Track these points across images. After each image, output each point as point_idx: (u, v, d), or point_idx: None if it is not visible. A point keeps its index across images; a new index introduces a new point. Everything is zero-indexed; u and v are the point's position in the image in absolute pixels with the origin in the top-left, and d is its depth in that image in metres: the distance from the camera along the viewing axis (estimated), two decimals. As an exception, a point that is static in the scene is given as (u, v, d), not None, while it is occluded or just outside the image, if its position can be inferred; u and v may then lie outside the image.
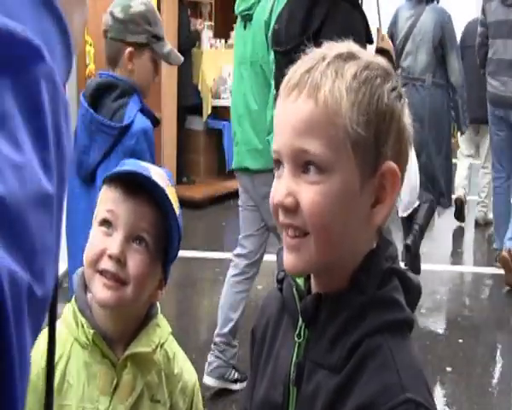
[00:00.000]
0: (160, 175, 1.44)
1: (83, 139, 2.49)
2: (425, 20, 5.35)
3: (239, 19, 3.84)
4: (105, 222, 1.41)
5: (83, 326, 1.41)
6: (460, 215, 7.10)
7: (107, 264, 1.38)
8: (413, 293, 1.08)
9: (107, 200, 1.42)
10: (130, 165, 1.47)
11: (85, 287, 1.44)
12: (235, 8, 3.85)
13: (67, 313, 1.45)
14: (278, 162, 1.03)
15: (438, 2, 5.52)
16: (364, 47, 2.82)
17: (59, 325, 1.42)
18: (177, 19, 7.41)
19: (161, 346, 1.48)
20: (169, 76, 7.29)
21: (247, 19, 3.73)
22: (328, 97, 0.98)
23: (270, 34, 3.20)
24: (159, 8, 7.28)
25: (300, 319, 1.06)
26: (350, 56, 1.02)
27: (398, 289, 1.04)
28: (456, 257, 6.51)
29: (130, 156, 2.21)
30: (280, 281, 1.12)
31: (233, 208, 7.11)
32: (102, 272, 1.38)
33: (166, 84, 7.32)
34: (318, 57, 1.02)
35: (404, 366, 0.98)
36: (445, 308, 5.22)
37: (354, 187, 1.00)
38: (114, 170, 1.44)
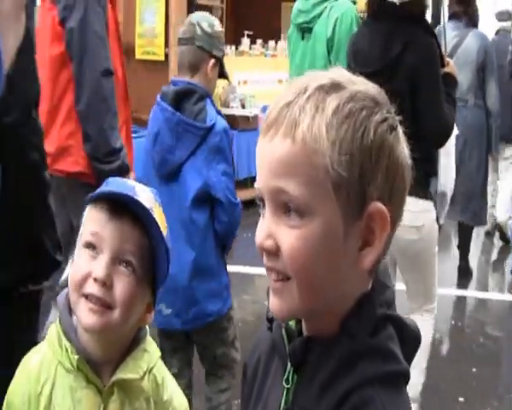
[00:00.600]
0: (147, 195, 1.40)
1: (168, 139, 2.86)
2: (470, 42, 5.65)
3: (295, 29, 4.05)
4: (90, 245, 1.37)
5: (67, 351, 1.38)
6: (504, 237, 6.91)
7: (92, 288, 1.34)
8: (410, 343, 1.01)
9: (92, 221, 1.38)
10: (115, 185, 1.43)
11: (70, 309, 1.40)
12: (293, 17, 4.04)
13: (52, 335, 1.41)
14: (261, 200, 0.98)
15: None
16: (438, 70, 3.07)
17: (44, 347, 1.41)
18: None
19: (150, 371, 1.43)
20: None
21: (306, 31, 3.94)
22: (306, 135, 0.92)
23: (348, 53, 3.37)
24: (167, 13, 7.17)
25: (289, 363, 1.01)
26: (333, 87, 0.95)
27: (393, 338, 0.98)
28: (475, 282, 6.29)
29: (215, 153, 2.81)
30: (270, 320, 1.07)
31: (243, 219, 7.00)
32: (88, 297, 1.34)
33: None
34: (299, 89, 0.95)
35: None
36: (460, 335, 5.05)
37: (337, 231, 0.94)
38: (99, 190, 1.40)
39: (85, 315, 1.34)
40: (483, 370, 4.37)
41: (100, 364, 1.40)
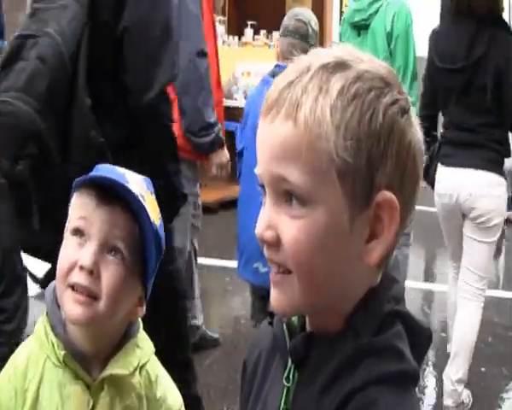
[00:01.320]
0: (138, 182, 1.35)
1: None
2: None
3: (349, 27, 4.39)
4: (77, 231, 1.31)
5: (54, 346, 1.33)
6: None
7: (78, 277, 1.28)
8: (420, 340, 0.94)
9: (80, 207, 1.32)
10: (104, 171, 1.37)
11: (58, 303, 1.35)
12: (347, 17, 4.43)
13: (39, 329, 1.37)
14: (262, 187, 0.92)
15: None
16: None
17: (31, 341, 1.37)
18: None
19: (142, 367, 1.38)
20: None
21: (363, 28, 4.30)
22: (308, 118, 0.85)
23: (431, 49, 3.73)
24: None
25: (290, 361, 0.95)
26: (338, 66, 0.88)
27: (401, 335, 0.91)
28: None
29: None
30: (271, 314, 1.01)
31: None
32: (74, 287, 1.29)
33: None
34: (302, 68, 0.89)
35: None
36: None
37: (342, 221, 0.87)
38: (87, 175, 1.34)
39: (71, 306, 1.29)
40: (492, 369, 4.29)
41: (89, 359, 1.35)
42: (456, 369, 3.59)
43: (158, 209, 1.37)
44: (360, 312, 0.91)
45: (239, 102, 7.93)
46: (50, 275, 2.16)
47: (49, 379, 1.34)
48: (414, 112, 0.92)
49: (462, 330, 3.61)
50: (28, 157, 2.02)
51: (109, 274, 1.29)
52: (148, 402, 1.39)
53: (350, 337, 0.90)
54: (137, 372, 1.36)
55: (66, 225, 1.35)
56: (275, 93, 0.89)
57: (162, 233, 1.36)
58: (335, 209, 0.87)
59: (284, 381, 0.95)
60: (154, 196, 1.37)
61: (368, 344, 0.89)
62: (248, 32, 8.84)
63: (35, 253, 2.27)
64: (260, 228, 0.90)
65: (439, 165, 3.69)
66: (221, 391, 3.76)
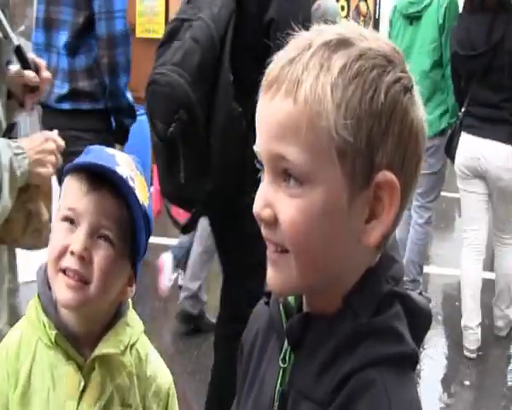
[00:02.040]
0: (127, 163, 1.34)
1: None
2: None
3: (401, 17, 4.79)
4: (67, 218, 1.31)
5: (45, 326, 1.33)
6: None
7: (69, 261, 1.28)
8: (420, 322, 0.93)
9: (70, 194, 1.32)
10: (94, 153, 1.36)
11: (49, 283, 1.35)
12: (401, 8, 4.80)
13: (31, 310, 1.36)
14: (261, 165, 0.91)
15: None
16: None
17: (23, 323, 1.36)
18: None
19: (132, 346, 1.38)
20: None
21: (415, 18, 4.70)
22: (308, 96, 0.83)
23: (452, 39, 4.24)
24: (167, 3, 7.05)
25: (286, 342, 0.94)
26: (340, 44, 0.86)
27: (400, 316, 0.90)
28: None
29: None
30: (267, 294, 1.00)
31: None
32: (65, 271, 1.29)
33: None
34: (304, 45, 0.87)
35: (400, 407, 0.84)
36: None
37: (341, 201, 0.85)
38: (76, 161, 1.33)
39: (62, 291, 1.28)
40: (489, 353, 4.28)
41: (81, 339, 1.34)
42: (502, 300, 4.32)
43: (147, 189, 1.36)
44: (358, 292, 0.89)
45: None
46: (191, 222, 2.62)
47: (41, 360, 1.33)
48: (417, 91, 0.90)
49: (504, 272, 4.25)
50: (179, 122, 2.33)
51: (99, 258, 1.29)
52: (138, 381, 1.38)
53: (348, 318, 0.88)
54: (128, 351, 1.36)
55: (57, 209, 1.35)
56: (275, 70, 0.87)
57: (151, 214, 1.36)
58: (334, 189, 0.85)
59: (280, 362, 0.94)
60: (143, 177, 1.36)
61: (366, 325, 0.87)
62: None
63: (178, 203, 2.66)
64: (258, 206, 0.89)
65: (463, 134, 4.08)
66: (219, 374, 3.73)
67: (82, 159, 1.34)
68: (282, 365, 0.94)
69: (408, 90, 0.88)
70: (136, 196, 1.30)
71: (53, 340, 1.31)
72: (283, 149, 0.85)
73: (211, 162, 2.42)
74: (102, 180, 1.29)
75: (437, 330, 4.47)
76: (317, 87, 0.83)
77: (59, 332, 1.31)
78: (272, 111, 0.86)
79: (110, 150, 1.37)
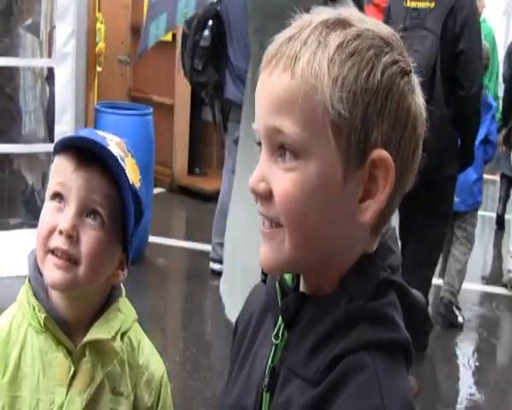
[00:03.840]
0: (119, 144, 1.30)
1: None
2: None
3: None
4: (56, 196, 1.25)
5: (35, 309, 1.28)
6: None
7: (57, 241, 1.23)
8: (415, 313, 0.92)
9: (59, 170, 1.26)
10: (84, 133, 1.31)
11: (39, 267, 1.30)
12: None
13: (22, 295, 1.32)
14: (259, 143, 0.90)
15: None
16: None
17: (14, 308, 1.33)
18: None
19: (124, 334, 1.34)
20: (183, 65, 6.94)
21: None
22: (305, 70, 0.83)
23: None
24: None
25: (280, 319, 0.92)
26: (339, 23, 0.86)
27: (395, 305, 0.89)
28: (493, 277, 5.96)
29: None
30: (265, 272, 0.99)
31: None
32: (54, 251, 1.23)
33: (181, 70, 6.96)
34: (303, 24, 0.87)
35: (390, 392, 0.82)
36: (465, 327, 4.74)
37: (335, 177, 0.85)
38: (66, 136, 1.28)
39: (51, 271, 1.23)
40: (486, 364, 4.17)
41: (71, 325, 1.29)
42: None
43: (138, 171, 1.31)
44: (355, 275, 0.88)
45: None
46: None
47: (31, 346, 1.28)
48: (416, 77, 0.89)
49: None
50: None
51: (88, 238, 1.23)
52: (130, 369, 1.34)
53: (343, 300, 0.87)
54: (119, 337, 1.31)
55: (47, 189, 1.29)
56: (274, 47, 0.87)
57: (143, 195, 1.31)
58: (328, 164, 0.84)
59: (273, 338, 0.93)
60: (134, 160, 1.31)
61: (361, 308, 0.86)
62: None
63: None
64: (253, 181, 0.88)
65: None
66: (217, 374, 3.70)
67: (71, 135, 1.29)
68: (274, 341, 0.93)
69: (406, 73, 0.87)
70: (126, 175, 1.25)
71: (42, 323, 1.26)
72: (280, 122, 0.84)
73: None
74: (92, 158, 1.23)
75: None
76: (313, 62, 0.83)
77: (48, 316, 1.26)
78: (270, 86, 0.86)
79: (101, 132, 1.32)
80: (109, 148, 1.24)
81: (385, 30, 0.88)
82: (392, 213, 0.90)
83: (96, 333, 1.27)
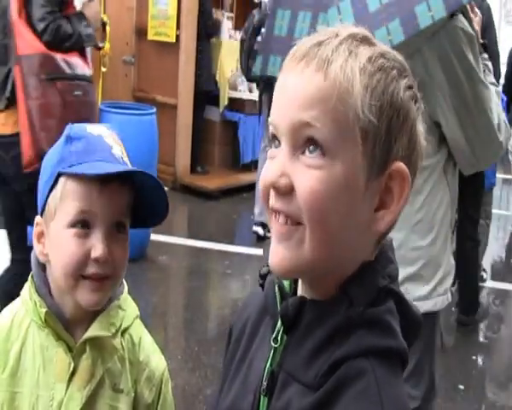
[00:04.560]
0: (113, 138, 1.28)
1: None
2: None
3: None
4: (79, 223, 1.22)
5: (36, 305, 1.27)
6: None
7: (94, 268, 1.21)
8: (411, 323, 0.91)
9: (80, 198, 1.21)
10: (90, 153, 1.24)
11: (43, 265, 1.29)
12: None
13: (25, 291, 1.31)
14: (274, 138, 0.89)
15: None
16: None
17: (17, 303, 1.32)
18: (197, 6, 7.12)
19: (125, 331, 1.32)
20: (187, 63, 6.94)
21: None
22: (339, 74, 0.85)
23: None
24: (179, 7, 6.97)
25: (279, 322, 0.92)
26: (365, 40, 0.89)
27: (393, 312, 0.89)
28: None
29: None
30: (263, 276, 0.98)
31: (245, 202, 6.92)
32: (89, 276, 1.22)
33: (184, 70, 7.01)
34: (330, 34, 0.89)
35: (389, 399, 0.82)
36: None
37: (358, 181, 0.85)
38: (78, 168, 1.21)
39: (88, 295, 1.22)
40: (483, 358, 4.20)
41: (73, 321, 1.28)
42: None
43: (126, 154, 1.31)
44: (356, 282, 0.88)
45: (243, 93, 7.89)
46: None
47: (33, 342, 1.27)
48: (422, 106, 0.93)
49: None
50: None
51: (120, 252, 1.25)
52: (130, 366, 1.32)
53: (343, 305, 0.87)
54: (119, 334, 1.30)
55: (53, 214, 1.24)
56: (303, 49, 0.88)
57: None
58: (354, 168, 0.85)
59: (272, 342, 0.92)
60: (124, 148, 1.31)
61: (360, 315, 0.86)
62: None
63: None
64: (274, 175, 0.86)
65: None
66: (218, 371, 3.65)
67: (82, 166, 1.22)
68: (273, 344, 0.92)
69: (416, 100, 0.90)
70: (156, 179, 1.26)
71: (43, 318, 1.25)
72: (311, 118, 0.84)
73: None
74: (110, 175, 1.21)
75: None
76: (346, 68, 0.85)
77: (49, 311, 1.25)
78: (301, 83, 0.86)
79: (96, 134, 1.27)
80: (112, 151, 1.24)
81: (399, 56, 0.91)
82: (395, 224, 0.91)
83: (97, 330, 1.26)
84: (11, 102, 2.92)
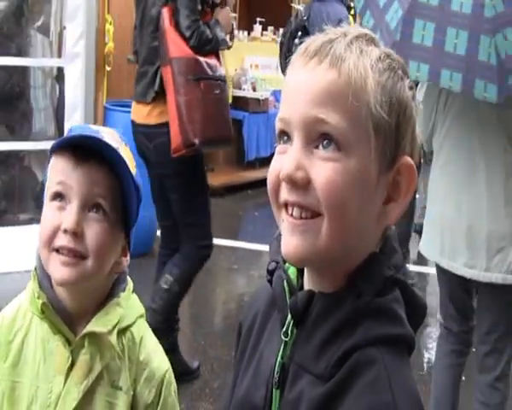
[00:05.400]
0: (112, 135, 1.27)
1: None
2: None
3: None
4: (57, 196, 1.23)
5: (34, 296, 1.27)
6: None
7: (62, 240, 1.21)
8: (416, 311, 0.93)
9: (58, 171, 1.24)
10: (78, 130, 1.29)
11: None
12: None
13: (30, 283, 1.30)
14: (283, 134, 0.90)
15: None
16: None
17: (23, 295, 1.33)
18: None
19: (126, 328, 1.31)
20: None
21: None
22: (352, 71, 0.87)
23: None
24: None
25: (289, 316, 0.93)
26: (372, 41, 0.92)
27: (400, 301, 0.90)
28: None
29: None
30: (270, 272, 0.99)
31: (250, 199, 6.93)
32: (59, 250, 1.21)
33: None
34: (339, 33, 0.91)
35: (400, 387, 0.84)
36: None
37: (370, 176, 0.88)
38: (62, 138, 1.26)
39: (58, 269, 1.22)
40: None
41: (75, 316, 1.28)
42: None
43: (133, 159, 1.29)
44: (364, 273, 0.89)
45: (247, 92, 7.91)
46: None
47: (35, 334, 1.28)
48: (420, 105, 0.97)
49: None
50: None
51: (93, 232, 1.22)
52: (130, 364, 1.30)
53: (352, 297, 0.88)
54: (115, 331, 1.28)
55: (45, 191, 1.27)
56: (315, 45, 0.89)
57: (140, 182, 1.29)
58: (367, 162, 0.87)
59: (282, 335, 0.93)
60: (128, 147, 1.29)
61: (368, 305, 0.87)
62: (257, 28, 8.92)
63: None
64: (289, 169, 0.86)
65: None
66: (224, 364, 3.68)
67: (67, 136, 1.26)
68: (284, 338, 0.93)
69: (414, 99, 0.93)
70: (126, 164, 1.23)
71: (39, 309, 1.25)
72: (325, 113, 0.85)
73: None
74: (89, 154, 1.22)
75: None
76: (359, 65, 0.87)
77: (46, 303, 1.25)
78: (314, 79, 0.87)
79: (94, 126, 1.31)
80: (105, 140, 1.23)
81: (400, 58, 0.94)
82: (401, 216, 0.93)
83: (95, 326, 1.25)
84: (158, 96, 3.30)
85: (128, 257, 1.32)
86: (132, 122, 3.53)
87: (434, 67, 2.28)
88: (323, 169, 0.85)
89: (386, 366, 0.84)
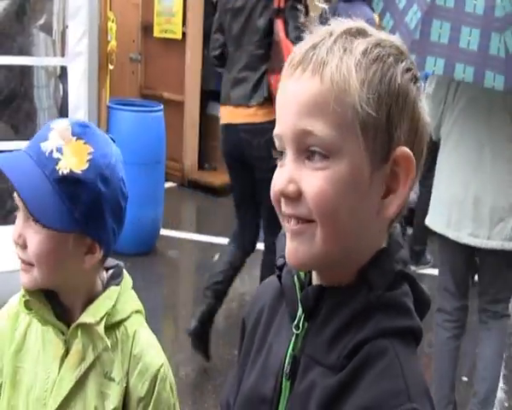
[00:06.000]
0: (61, 132, 1.25)
1: None
2: None
3: None
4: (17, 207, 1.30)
5: (21, 295, 1.33)
6: None
7: (17, 249, 1.29)
8: (422, 304, 0.95)
9: None
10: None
11: None
12: None
13: None
14: (280, 149, 0.92)
15: None
16: None
17: None
18: (202, 3, 7.10)
19: (120, 322, 1.34)
20: (193, 60, 6.93)
21: None
22: (334, 74, 0.86)
23: None
24: (185, 4, 6.96)
25: (300, 310, 0.94)
26: (360, 32, 0.91)
27: (409, 295, 0.92)
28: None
29: None
30: (279, 268, 1.00)
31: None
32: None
33: (190, 67, 6.99)
34: (325, 33, 0.91)
35: (411, 375, 0.87)
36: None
37: (363, 174, 0.88)
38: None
39: (21, 275, 1.30)
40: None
41: (70, 309, 1.34)
42: None
43: (86, 152, 1.25)
44: (374, 267, 0.91)
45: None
46: None
47: (36, 323, 1.35)
48: (423, 84, 0.94)
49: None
50: None
51: (32, 242, 1.26)
52: (123, 357, 1.33)
53: (363, 290, 0.90)
54: (102, 323, 1.30)
55: None
56: (299, 55, 0.89)
57: (90, 177, 1.24)
58: (357, 162, 0.87)
59: (294, 329, 0.94)
60: (81, 141, 1.25)
61: (379, 298, 0.89)
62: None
63: None
64: (282, 184, 0.89)
65: None
66: (226, 363, 3.69)
67: None
68: (295, 331, 0.94)
69: (417, 80, 0.92)
70: (52, 169, 1.22)
71: (23, 306, 1.30)
72: (310, 124, 0.86)
73: None
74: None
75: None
76: (341, 67, 0.86)
77: (30, 300, 1.30)
78: (299, 90, 0.87)
79: (51, 126, 1.27)
80: (43, 145, 1.24)
81: (397, 40, 0.93)
82: (404, 208, 0.93)
83: (84, 317, 1.30)
84: (267, 100, 3.50)
85: (98, 253, 1.30)
86: (227, 125, 3.82)
87: (449, 61, 2.58)
88: (313, 179, 0.87)
89: (398, 355, 0.87)
